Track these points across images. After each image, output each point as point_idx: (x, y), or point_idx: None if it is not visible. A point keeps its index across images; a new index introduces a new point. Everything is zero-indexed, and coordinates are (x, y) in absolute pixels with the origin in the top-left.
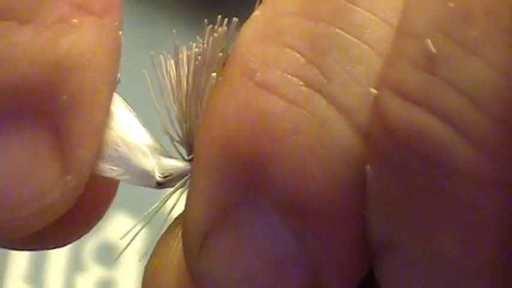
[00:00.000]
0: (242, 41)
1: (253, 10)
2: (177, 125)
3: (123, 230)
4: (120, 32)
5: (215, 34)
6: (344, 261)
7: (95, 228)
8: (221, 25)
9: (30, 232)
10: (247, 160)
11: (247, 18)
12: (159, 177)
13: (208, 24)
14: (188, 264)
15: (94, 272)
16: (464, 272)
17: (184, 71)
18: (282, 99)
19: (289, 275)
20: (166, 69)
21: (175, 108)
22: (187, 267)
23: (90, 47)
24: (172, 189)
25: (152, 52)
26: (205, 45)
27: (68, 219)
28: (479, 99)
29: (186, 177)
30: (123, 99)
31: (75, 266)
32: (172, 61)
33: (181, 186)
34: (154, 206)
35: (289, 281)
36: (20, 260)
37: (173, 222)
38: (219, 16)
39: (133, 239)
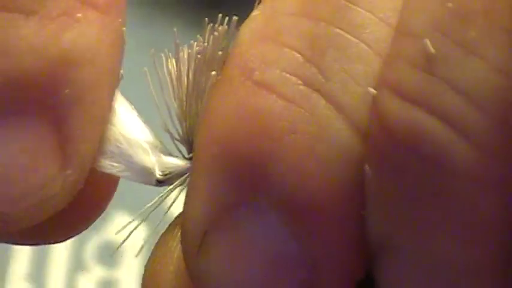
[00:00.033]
0: (241, 41)
1: (253, 9)
2: (177, 123)
3: (126, 231)
4: (124, 28)
5: (215, 33)
6: (343, 261)
7: (96, 228)
8: (222, 24)
9: (29, 225)
10: (246, 159)
11: (248, 17)
12: (159, 175)
13: (208, 23)
14: (187, 264)
15: (95, 272)
16: (464, 272)
17: (184, 69)
18: (281, 98)
19: (288, 275)
20: (167, 68)
21: (176, 107)
22: (186, 267)
23: (93, 42)
24: (172, 187)
25: (153, 51)
26: (206, 44)
27: (67, 214)
28: (478, 99)
29: (186, 176)
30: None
31: (77, 265)
32: (173, 60)
33: (180, 185)
34: (152, 203)
35: (289, 281)
36: (21, 259)
37: (173, 222)
38: (220, 15)
39: (129, 235)
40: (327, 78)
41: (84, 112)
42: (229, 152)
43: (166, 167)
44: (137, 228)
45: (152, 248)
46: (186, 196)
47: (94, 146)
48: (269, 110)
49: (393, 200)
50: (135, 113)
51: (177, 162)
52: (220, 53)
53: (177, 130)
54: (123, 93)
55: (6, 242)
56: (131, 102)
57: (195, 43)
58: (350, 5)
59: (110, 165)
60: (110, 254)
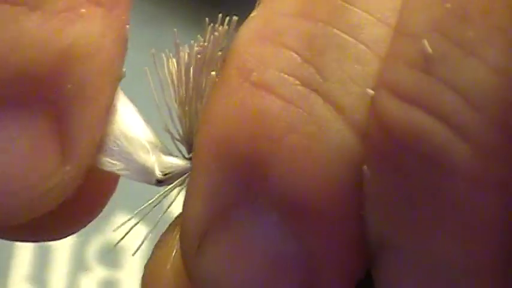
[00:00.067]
0: (240, 41)
1: (254, 9)
2: (177, 123)
3: (124, 229)
4: (128, 26)
5: (215, 33)
6: (342, 261)
7: (98, 228)
8: (222, 24)
9: (27, 218)
10: (245, 160)
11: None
12: (159, 174)
13: (209, 23)
14: (186, 264)
15: (97, 273)
16: (464, 272)
17: (184, 69)
18: (279, 98)
19: (287, 275)
20: (168, 68)
21: (176, 107)
22: (185, 267)
23: (97, 38)
24: (171, 186)
25: (153, 50)
26: (206, 44)
27: (66, 210)
28: (476, 99)
29: (186, 176)
30: None
31: (79, 266)
32: (173, 60)
33: (180, 184)
34: (151, 201)
35: (288, 281)
36: (23, 260)
37: (173, 222)
38: (220, 15)
39: (127, 233)
40: (325, 79)
41: (85, 108)
42: (228, 152)
43: (166, 166)
44: (139, 229)
45: (152, 248)
46: (186, 196)
47: (94, 143)
48: (267, 110)
49: (392, 200)
50: (136, 112)
51: (177, 162)
52: (219, 53)
53: (177, 130)
54: (123, 93)
55: (8, 239)
56: (131, 102)
57: (195, 43)
58: (348, 5)
59: (109, 163)
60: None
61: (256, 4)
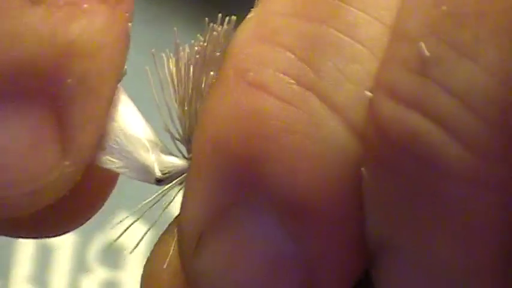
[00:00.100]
0: (236, 42)
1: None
2: (177, 123)
3: (128, 232)
4: (130, 24)
5: (215, 33)
6: (340, 261)
7: (99, 229)
8: (222, 24)
9: (25, 212)
10: (241, 160)
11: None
12: (159, 173)
13: (209, 23)
14: (183, 265)
15: (98, 274)
16: (464, 273)
17: (184, 69)
18: (274, 98)
19: (285, 276)
20: (168, 68)
21: (176, 107)
22: (182, 268)
23: (99, 34)
24: (171, 185)
25: (153, 50)
26: (205, 43)
27: (65, 206)
28: (472, 101)
29: (185, 175)
30: None
31: (80, 267)
32: (173, 59)
33: (180, 184)
34: (149, 199)
35: (286, 281)
36: (24, 260)
37: (172, 222)
38: (220, 15)
39: (125, 230)
40: (321, 77)
41: (86, 104)
42: (224, 152)
43: (166, 166)
44: (140, 229)
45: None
46: (183, 196)
47: (94, 139)
48: (263, 110)
49: (391, 202)
50: (136, 111)
51: (176, 162)
52: (217, 53)
53: (177, 130)
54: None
55: (7, 235)
56: (132, 101)
57: (195, 43)
58: (343, 4)
59: (109, 161)
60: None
61: (255, 4)
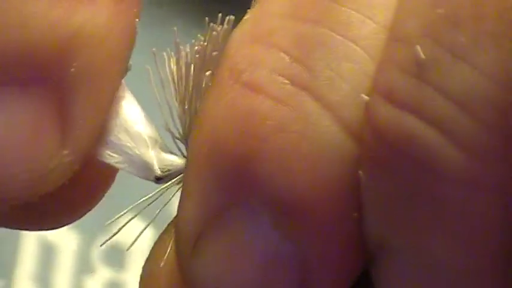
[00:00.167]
0: (232, 43)
1: None
2: (177, 122)
3: (131, 232)
4: (137, 20)
5: (214, 32)
6: (337, 261)
7: (103, 229)
8: (222, 23)
9: (24, 200)
10: (236, 160)
11: None
12: (159, 171)
13: (209, 23)
14: (180, 266)
15: (102, 274)
16: (464, 273)
17: (184, 69)
18: (268, 98)
19: (282, 276)
20: (169, 67)
21: (177, 106)
22: (180, 269)
23: (104, 26)
24: (170, 184)
25: (154, 49)
26: (205, 43)
27: (64, 197)
28: (468, 104)
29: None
30: None
31: (84, 267)
32: (174, 59)
33: (178, 183)
34: (147, 197)
35: (283, 282)
36: (28, 260)
37: (171, 222)
38: (220, 14)
39: (121, 228)
40: (314, 77)
41: (87, 94)
42: (219, 153)
43: (166, 164)
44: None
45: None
46: (180, 197)
47: (94, 131)
48: (257, 110)
49: (388, 203)
50: (139, 108)
51: (176, 160)
52: (214, 53)
53: (177, 129)
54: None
55: (6, 226)
56: None
57: (196, 42)
58: (337, 5)
59: (109, 156)
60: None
61: (252, 5)
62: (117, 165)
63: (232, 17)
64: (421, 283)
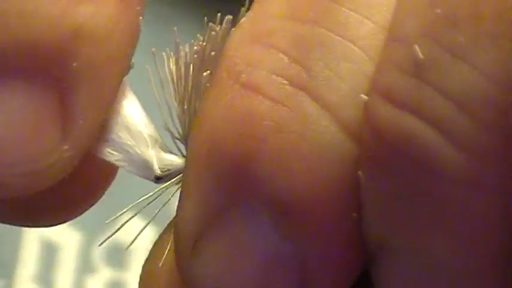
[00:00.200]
0: (230, 45)
1: None
2: (177, 122)
3: (133, 231)
4: (141, 18)
5: (213, 32)
6: (337, 261)
7: (105, 229)
8: (221, 23)
9: (22, 194)
10: (234, 161)
11: None
12: (159, 171)
13: (208, 22)
14: (179, 267)
15: (104, 273)
16: (464, 273)
17: (183, 68)
18: (266, 98)
19: (281, 276)
20: (168, 67)
21: (176, 106)
22: (179, 270)
23: (108, 22)
24: (169, 183)
25: (154, 49)
26: (204, 43)
27: (63, 194)
28: (466, 103)
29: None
30: None
31: (85, 267)
32: (173, 59)
33: (178, 183)
34: (147, 196)
35: (283, 282)
36: (29, 260)
37: (171, 222)
38: (219, 14)
39: (121, 227)
40: (313, 77)
41: (89, 90)
42: (218, 154)
43: (166, 164)
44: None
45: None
46: (179, 198)
47: (94, 127)
48: (255, 111)
49: (388, 203)
50: (140, 106)
51: (176, 160)
52: (213, 53)
53: (176, 129)
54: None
55: (6, 222)
56: None
57: (195, 42)
58: (335, 5)
59: (110, 154)
60: (120, 257)
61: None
62: (117, 163)
63: (230, 17)
64: (421, 283)
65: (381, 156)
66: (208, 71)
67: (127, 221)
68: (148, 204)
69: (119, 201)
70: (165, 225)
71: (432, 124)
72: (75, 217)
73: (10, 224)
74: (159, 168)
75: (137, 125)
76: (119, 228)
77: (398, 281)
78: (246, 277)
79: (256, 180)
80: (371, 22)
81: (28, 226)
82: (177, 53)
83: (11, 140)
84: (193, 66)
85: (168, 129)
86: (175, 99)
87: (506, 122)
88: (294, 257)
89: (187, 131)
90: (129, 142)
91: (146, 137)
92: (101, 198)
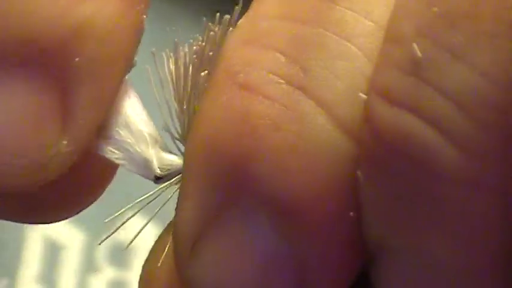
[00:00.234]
0: (228, 46)
1: None
2: (177, 122)
3: (136, 231)
4: (145, 16)
5: (212, 32)
6: (335, 261)
7: (108, 229)
8: (220, 23)
9: (20, 188)
10: (232, 160)
11: None
12: (159, 171)
13: (207, 22)
14: (178, 267)
15: (107, 273)
16: (464, 273)
17: (183, 69)
18: (264, 98)
19: (279, 276)
20: (168, 67)
21: (176, 106)
22: (178, 271)
23: (110, 20)
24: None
25: (154, 49)
26: (203, 43)
27: (63, 191)
28: (465, 103)
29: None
30: None
31: (88, 266)
32: (173, 59)
33: (177, 183)
34: (148, 194)
35: (280, 282)
36: (32, 259)
37: (171, 222)
38: (218, 14)
39: (121, 226)
40: (309, 76)
41: (90, 86)
42: (216, 154)
43: (166, 164)
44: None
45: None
46: (178, 198)
47: (94, 123)
48: (252, 110)
49: (387, 203)
50: (142, 106)
51: (176, 160)
52: (210, 53)
53: (176, 129)
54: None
55: (6, 218)
56: None
57: (194, 42)
58: (331, 4)
59: (110, 152)
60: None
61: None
62: (118, 162)
63: (228, 16)
64: (421, 283)
65: (380, 156)
66: (207, 71)
67: (127, 220)
68: (148, 203)
69: (123, 200)
70: (164, 223)
71: (431, 123)
72: (75, 214)
73: (11, 220)
74: (159, 168)
75: (138, 123)
76: (118, 227)
77: (398, 281)
78: (246, 277)
79: (254, 179)
80: (368, 20)
81: (28, 223)
82: (176, 53)
83: (11, 134)
84: (192, 66)
85: (168, 130)
86: (175, 99)
87: (505, 122)
88: (292, 256)
89: (187, 131)
90: (129, 141)
91: (147, 136)
92: (105, 198)
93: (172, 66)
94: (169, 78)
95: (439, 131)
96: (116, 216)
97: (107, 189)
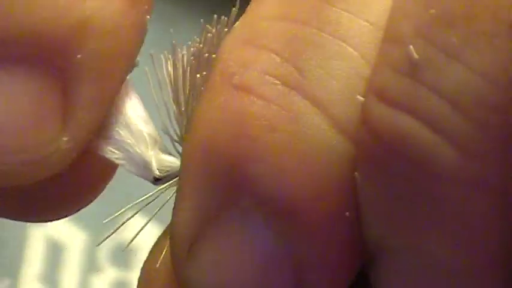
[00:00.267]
0: (224, 48)
1: None
2: (175, 124)
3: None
4: (148, 17)
5: (209, 34)
6: (333, 262)
7: (110, 229)
8: (217, 25)
9: (19, 183)
10: (229, 161)
11: None
12: (158, 172)
13: (205, 24)
14: (176, 269)
15: (109, 273)
16: (463, 273)
17: (181, 70)
18: (259, 98)
19: (276, 276)
20: (166, 69)
21: (174, 108)
22: (175, 273)
23: (115, 17)
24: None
25: (152, 52)
26: (201, 45)
27: (62, 189)
28: (463, 103)
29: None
30: None
31: (90, 266)
32: (171, 61)
33: (176, 184)
34: (150, 194)
35: (277, 282)
36: (34, 259)
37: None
38: (215, 16)
39: (121, 226)
40: (304, 76)
41: (92, 83)
42: (212, 155)
43: (165, 165)
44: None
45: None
46: (175, 200)
47: (95, 121)
48: (248, 111)
49: (385, 203)
50: (142, 106)
51: (175, 162)
52: (206, 55)
53: (175, 131)
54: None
55: (6, 217)
56: None
57: (192, 44)
58: (326, 5)
59: (110, 151)
60: (126, 257)
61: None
62: (117, 162)
63: (226, 18)
64: (421, 283)
65: (378, 156)
66: (204, 73)
67: (127, 220)
68: (149, 203)
69: (125, 200)
70: (165, 223)
71: (428, 124)
72: (74, 213)
73: (11, 218)
74: (158, 169)
75: (140, 125)
76: (117, 228)
77: (398, 281)
78: (245, 277)
79: (250, 180)
80: (363, 21)
81: (29, 221)
82: (174, 55)
83: (10, 128)
84: (190, 68)
85: (167, 131)
86: (173, 101)
87: (505, 121)
88: (289, 257)
89: (185, 132)
90: (129, 141)
91: (146, 136)
92: (107, 198)
93: (170, 68)
94: (167, 80)
95: (435, 131)
96: (116, 217)
97: (108, 189)
